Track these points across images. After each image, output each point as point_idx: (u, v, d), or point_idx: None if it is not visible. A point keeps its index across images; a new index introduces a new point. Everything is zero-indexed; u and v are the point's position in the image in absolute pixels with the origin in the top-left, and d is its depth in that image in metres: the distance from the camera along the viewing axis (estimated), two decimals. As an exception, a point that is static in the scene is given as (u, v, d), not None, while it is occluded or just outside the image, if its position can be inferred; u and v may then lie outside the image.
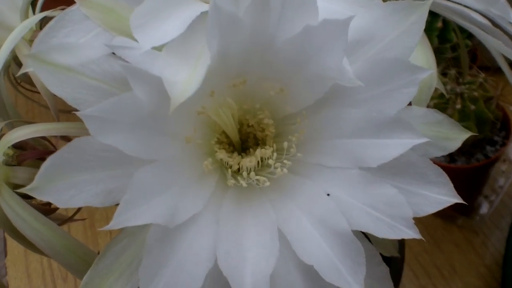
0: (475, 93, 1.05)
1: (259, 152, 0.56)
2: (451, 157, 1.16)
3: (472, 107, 1.05)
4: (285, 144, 0.55)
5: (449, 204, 0.56)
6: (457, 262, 1.19)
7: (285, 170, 0.55)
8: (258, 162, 0.56)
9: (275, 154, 0.56)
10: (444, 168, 1.12)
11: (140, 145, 0.50)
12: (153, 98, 0.49)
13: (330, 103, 0.55)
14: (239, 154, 0.59)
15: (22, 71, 0.57)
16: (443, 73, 1.10)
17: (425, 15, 0.53)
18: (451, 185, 0.56)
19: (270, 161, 0.55)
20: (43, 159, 0.70)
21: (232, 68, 0.53)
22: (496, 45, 0.65)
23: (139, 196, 0.49)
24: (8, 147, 0.63)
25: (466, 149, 1.13)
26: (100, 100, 0.52)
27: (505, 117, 1.16)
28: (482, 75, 1.08)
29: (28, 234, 0.60)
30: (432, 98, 1.13)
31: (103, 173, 0.51)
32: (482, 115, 1.06)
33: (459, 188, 1.22)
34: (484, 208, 1.22)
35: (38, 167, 0.70)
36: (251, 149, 0.59)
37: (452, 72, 1.07)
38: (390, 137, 0.52)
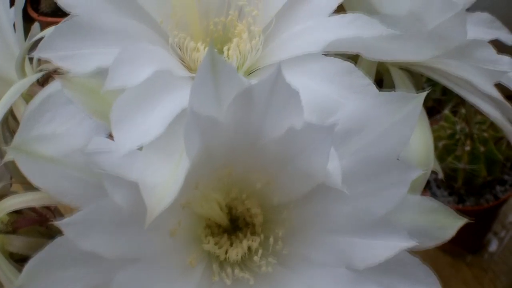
0: (485, 134, 1.03)
1: (245, 243, 0.55)
2: (460, 197, 1.13)
3: (482, 148, 1.03)
4: (271, 239, 0.54)
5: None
6: (465, 300, 1.17)
7: (269, 268, 0.53)
8: (245, 252, 0.55)
9: (260, 251, 0.54)
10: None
11: (121, 247, 0.49)
12: (132, 201, 0.48)
13: (317, 196, 0.53)
14: (229, 235, 0.57)
15: (4, 161, 0.56)
16: (453, 111, 1.07)
17: (419, 108, 0.51)
18: (439, 285, 0.54)
19: (256, 258, 0.54)
20: (39, 224, 0.70)
21: (216, 162, 0.52)
22: (500, 123, 0.62)
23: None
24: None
25: (476, 190, 1.11)
26: (83, 192, 0.52)
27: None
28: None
29: (20, 301, 0.62)
30: (441, 139, 1.10)
31: (87, 269, 0.50)
32: (492, 157, 1.04)
33: (468, 229, 1.19)
34: (494, 245, 1.20)
35: (33, 233, 0.71)
36: (240, 234, 0.57)
37: (462, 111, 1.04)
38: (378, 238, 0.51)
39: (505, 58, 0.72)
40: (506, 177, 1.13)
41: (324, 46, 0.54)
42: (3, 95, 0.69)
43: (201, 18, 0.62)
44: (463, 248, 1.19)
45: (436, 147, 1.10)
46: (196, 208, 0.53)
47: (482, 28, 0.76)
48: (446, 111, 1.08)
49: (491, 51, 0.59)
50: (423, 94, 0.51)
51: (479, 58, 0.60)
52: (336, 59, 0.54)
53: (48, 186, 0.52)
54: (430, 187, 1.16)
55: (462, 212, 1.12)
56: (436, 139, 1.08)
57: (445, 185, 1.12)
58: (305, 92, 0.53)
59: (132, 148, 0.48)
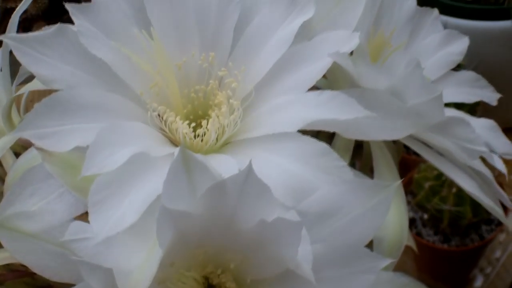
0: (472, 176, 1.03)
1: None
2: (445, 236, 1.14)
3: (468, 190, 1.03)
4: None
5: None
6: (449, 334, 1.18)
7: None
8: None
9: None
10: (438, 250, 1.12)
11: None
12: (108, 285, 0.49)
13: (289, 277, 0.54)
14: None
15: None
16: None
17: (390, 198, 0.53)
18: None
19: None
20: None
21: (191, 244, 0.53)
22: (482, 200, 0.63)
23: None
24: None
25: (461, 230, 1.12)
26: (63, 266, 0.54)
27: (503, 196, 1.13)
28: (480, 155, 1.05)
29: None
30: (427, 179, 1.11)
31: None
32: (477, 199, 1.04)
33: (453, 267, 1.21)
34: (479, 282, 1.21)
35: (19, 285, 0.73)
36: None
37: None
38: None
39: (483, 121, 0.73)
40: (492, 216, 1.14)
41: (300, 127, 0.55)
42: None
43: (182, 86, 0.63)
44: (448, 285, 1.21)
45: (422, 188, 1.11)
46: (172, 285, 0.54)
47: (466, 88, 0.77)
48: (434, 151, 1.08)
49: (469, 129, 0.60)
50: (396, 184, 0.52)
51: (457, 136, 0.60)
52: (312, 139, 0.55)
53: (30, 261, 0.55)
54: (416, 226, 1.17)
55: (447, 252, 1.13)
56: (423, 179, 1.09)
57: (430, 224, 1.13)
58: (280, 172, 0.54)
59: (107, 236, 0.49)
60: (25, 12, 0.92)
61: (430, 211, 1.09)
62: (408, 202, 1.18)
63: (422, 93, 0.57)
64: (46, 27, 0.70)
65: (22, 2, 0.88)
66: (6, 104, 0.79)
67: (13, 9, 1.41)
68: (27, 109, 0.87)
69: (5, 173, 0.80)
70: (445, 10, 1.27)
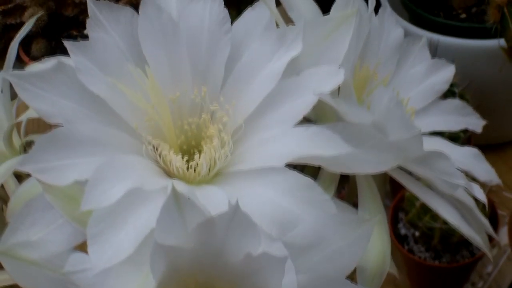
0: (462, 194, 1.06)
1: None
2: (437, 253, 1.17)
3: (458, 209, 1.06)
4: None
5: None
6: None
7: None
8: None
9: None
10: (429, 267, 1.15)
11: None
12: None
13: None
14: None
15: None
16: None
17: (370, 232, 0.55)
18: None
19: None
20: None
21: (183, 273, 0.56)
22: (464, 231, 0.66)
23: None
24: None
25: (452, 246, 1.14)
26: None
27: (494, 213, 1.16)
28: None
29: None
30: (417, 199, 1.14)
31: None
32: (467, 217, 1.07)
33: (444, 283, 1.23)
34: (471, 296, 1.23)
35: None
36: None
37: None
38: None
39: (467, 149, 0.76)
40: (482, 233, 1.16)
41: (286, 161, 0.58)
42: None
43: (175, 119, 0.66)
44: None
45: (413, 206, 1.14)
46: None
47: (452, 116, 0.79)
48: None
49: (448, 163, 0.63)
50: (376, 219, 0.55)
51: (437, 169, 0.63)
52: (297, 174, 0.58)
53: (32, 286, 0.57)
54: (408, 243, 1.20)
55: (438, 269, 1.16)
56: (414, 197, 1.11)
57: (422, 241, 1.16)
58: (267, 205, 0.57)
59: (105, 267, 0.52)
60: (24, 28, 0.94)
61: (421, 228, 1.12)
62: (400, 219, 1.21)
63: (402, 131, 0.59)
64: (45, 58, 0.73)
65: (22, 29, 0.91)
66: (7, 129, 0.83)
67: (12, 25, 1.45)
68: (27, 132, 0.90)
69: (7, 195, 0.83)
70: (438, 28, 1.30)
